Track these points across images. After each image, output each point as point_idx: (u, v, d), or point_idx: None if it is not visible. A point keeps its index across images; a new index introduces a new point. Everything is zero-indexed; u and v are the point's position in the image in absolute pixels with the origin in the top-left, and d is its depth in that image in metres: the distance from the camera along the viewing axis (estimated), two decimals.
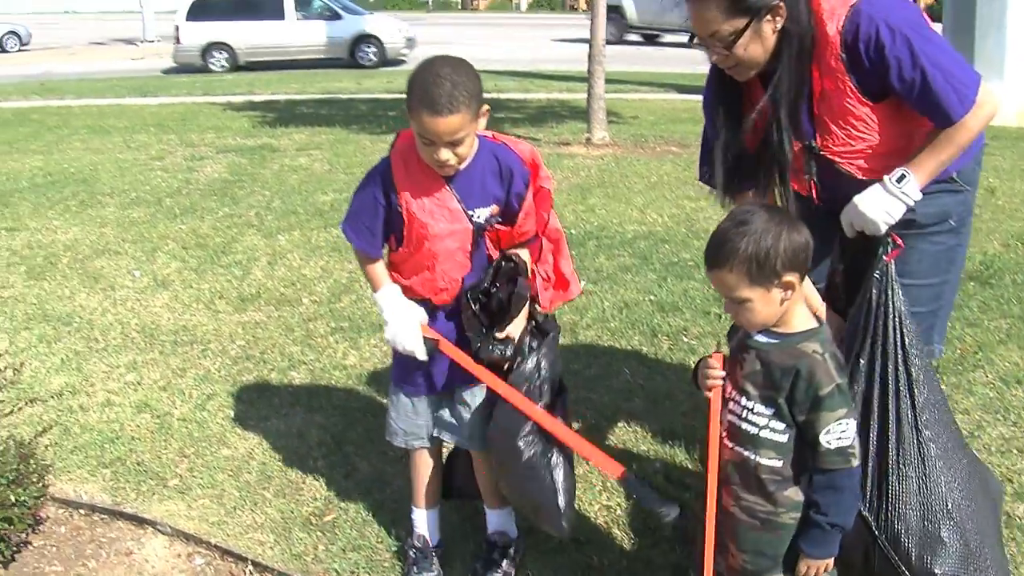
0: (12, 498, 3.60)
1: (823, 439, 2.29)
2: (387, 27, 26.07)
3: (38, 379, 4.93)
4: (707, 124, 3.10)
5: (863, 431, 2.52)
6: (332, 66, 24.93)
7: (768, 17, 2.62)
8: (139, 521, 3.88)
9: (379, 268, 3.08)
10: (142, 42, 35.37)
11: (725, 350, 2.55)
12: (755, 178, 2.95)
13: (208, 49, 24.81)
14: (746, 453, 2.40)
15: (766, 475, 2.38)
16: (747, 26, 2.62)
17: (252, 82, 20.52)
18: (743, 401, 2.41)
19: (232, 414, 4.52)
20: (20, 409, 4.59)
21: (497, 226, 3.04)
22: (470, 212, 2.95)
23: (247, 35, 24.91)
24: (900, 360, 2.56)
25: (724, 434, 2.46)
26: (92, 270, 6.52)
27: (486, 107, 2.83)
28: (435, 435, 3.27)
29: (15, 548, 3.72)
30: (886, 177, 2.64)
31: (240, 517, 3.74)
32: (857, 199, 2.67)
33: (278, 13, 25.10)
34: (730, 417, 2.45)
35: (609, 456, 2.87)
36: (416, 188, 2.93)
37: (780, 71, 2.70)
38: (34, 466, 3.80)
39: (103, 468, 4.17)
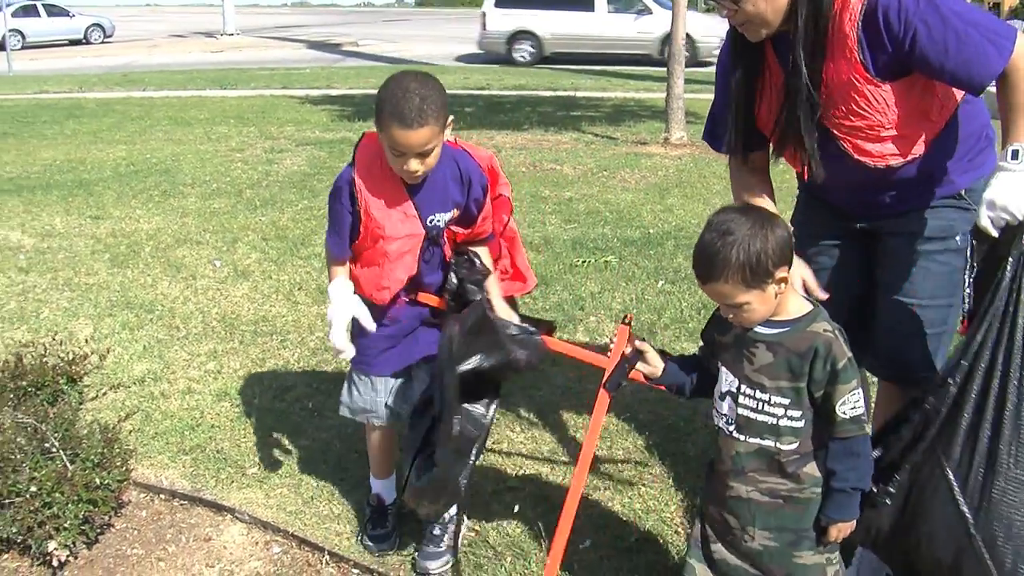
0: (97, 481, 3.66)
1: (839, 410, 2.39)
2: (700, 25, 22.73)
3: (121, 365, 5.00)
4: (719, 90, 3.06)
5: (974, 426, 2.45)
6: (639, 63, 23.87)
7: None
8: (218, 508, 3.92)
9: (340, 266, 3.23)
10: (221, 35, 35.91)
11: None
12: (765, 142, 2.96)
13: (514, 37, 24.47)
14: (765, 443, 2.49)
15: (786, 458, 2.48)
16: None
17: (330, 76, 20.69)
18: (757, 394, 2.48)
19: (310, 405, 4.54)
20: (104, 394, 4.67)
21: (455, 228, 3.23)
22: (429, 217, 3.14)
23: (554, 25, 24.32)
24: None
25: (732, 428, 2.53)
26: (174, 259, 6.60)
27: (451, 117, 2.99)
28: (394, 409, 3.43)
29: (99, 530, 3.78)
30: (1001, 162, 2.52)
31: (317, 507, 3.75)
32: (991, 194, 2.49)
33: (588, 4, 24.36)
34: (741, 411, 2.51)
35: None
36: (377, 190, 3.08)
37: (794, 32, 2.63)
38: (118, 450, 3.85)
39: (183, 455, 4.22)
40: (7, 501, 3.58)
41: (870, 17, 2.56)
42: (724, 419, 2.56)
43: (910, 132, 2.70)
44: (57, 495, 3.57)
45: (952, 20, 2.51)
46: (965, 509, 2.47)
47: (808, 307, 2.48)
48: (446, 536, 3.50)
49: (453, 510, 3.49)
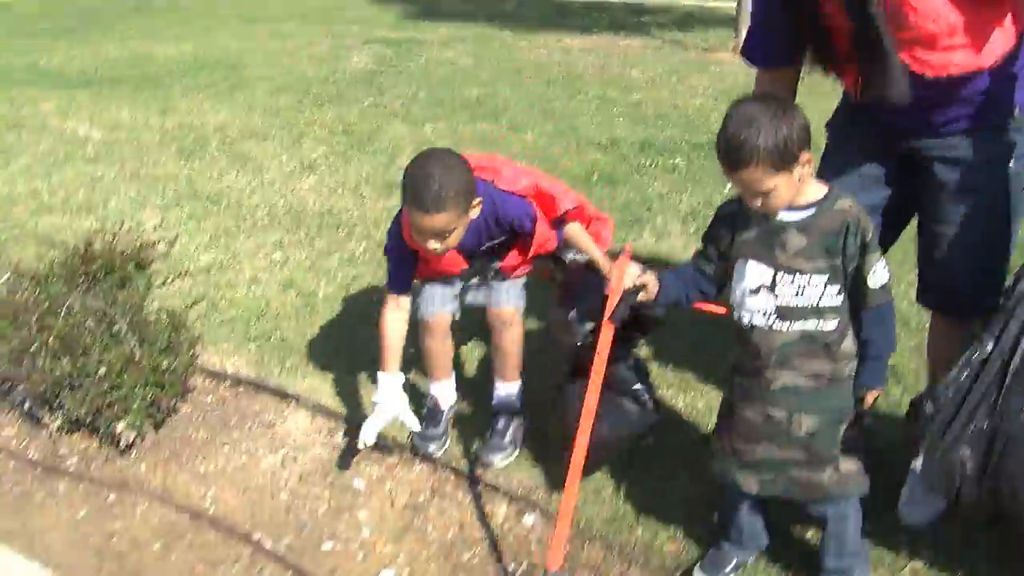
0: (164, 365, 3.68)
1: (870, 281, 2.46)
2: None
3: (188, 254, 5.01)
4: (757, 4, 2.98)
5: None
6: None
7: None
8: (282, 395, 3.93)
9: (396, 341, 3.32)
10: None
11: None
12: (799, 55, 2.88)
13: None
14: (807, 326, 2.52)
15: (829, 338, 2.52)
16: None
17: None
18: (796, 278, 2.50)
19: (375, 297, 4.51)
20: (171, 282, 4.68)
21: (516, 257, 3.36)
22: (473, 251, 3.27)
23: None
24: None
25: (773, 320, 2.54)
26: (241, 152, 6.58)
27: (477, 200, 3.03)
28: (462, 302, 3.51)
29: (165, 413, 3.81)
30: None
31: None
32: None
33: None
34: (781, 300, 2.52)
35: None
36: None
37: None
38: (185, 336, 3.87)
39: (249, 342, 4.23)
40: (77, 383, 3.61)
41: None
42: (762, 313, 2.56)
43: (978, 41, 2.52)
44: (125, 378, 3.59)
45: None
46: None
47: (825, 188, 2.52)
48: (510, 430, 3.50)
49: (518, 403, 3.51)
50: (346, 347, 4.14)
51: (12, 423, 3.96)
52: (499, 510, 3.34)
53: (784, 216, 2.49)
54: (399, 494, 3.46)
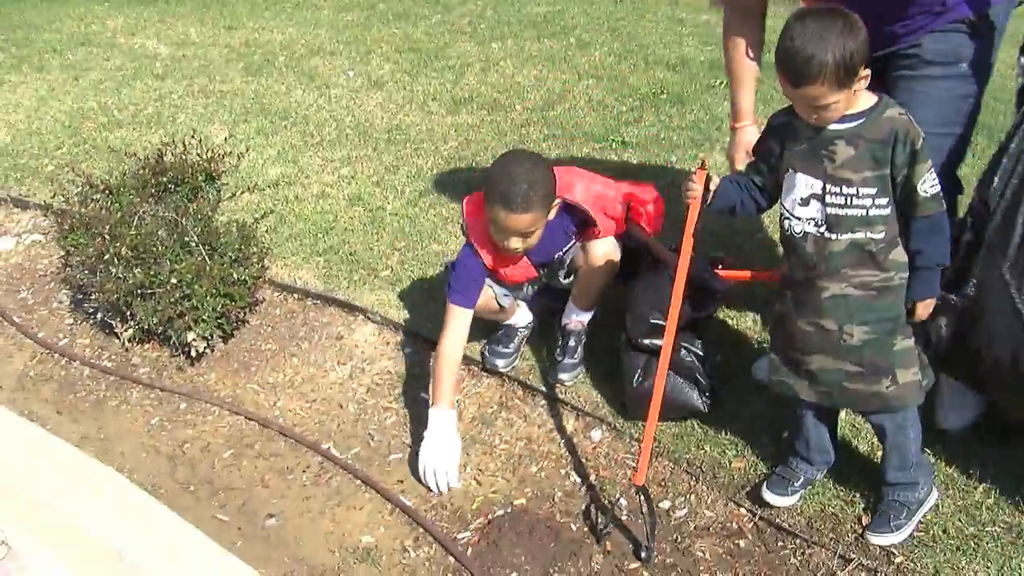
0: (234, 276, 3.70)
1: (921, 189, 2.43)
2: None
3: (256, 169, 5.01)
4: None
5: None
6: None
7: None
8: (350, 308, 3.94)
9: (449, 372, 3.20)
10: None
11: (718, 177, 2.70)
12: None
13: None
14: (856, 235, 2.50)
15: (877, 247, 2.51)
16: None
17: None
18: (844, 189, 2.48)
19: (443, 212, 4.49)
20: (240, 195, 4.70)
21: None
22: (546, 262, 3.40)
23: None
24: None
25: (824, 229, 2.53)
26: (307, 68, 6.55)
27: (557, 201, 3.15)
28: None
29: (234, 324, 3.85)
30: None
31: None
32: None
33: None
34: (831, 211, 2.51)
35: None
36: (496, 255, 3.28)
37: None
38: (254, 248, 3.90)
39: (316, 256, 4.23)
40: (149, 292, 3.66)
41: None
42: (812, 223, 2.55)
43: None
44: (196, 287, 3.63)
45: None
46: (1021, 307, 2.60)
47: (875, 98, 2.47)
48: (579, 351, 3.49)
49: (580, 326, 3.51)
50: (413, 261, 4.12)
51: (86, 332, 4.02)
52: (567, 425, 3.33)
53: (835, 126, 2.47)
54: (467, 407, 3.46)
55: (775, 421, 3.13)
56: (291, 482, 3.23)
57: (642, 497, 2.79)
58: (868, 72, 2.38)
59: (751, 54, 3.15)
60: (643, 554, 2.79)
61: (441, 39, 7.08)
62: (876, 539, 2.72)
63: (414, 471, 3.19)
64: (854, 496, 2.88)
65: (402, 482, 3.19)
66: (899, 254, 2.53)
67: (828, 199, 2.50)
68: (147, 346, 3.89)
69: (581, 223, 3.33)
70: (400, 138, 5.30)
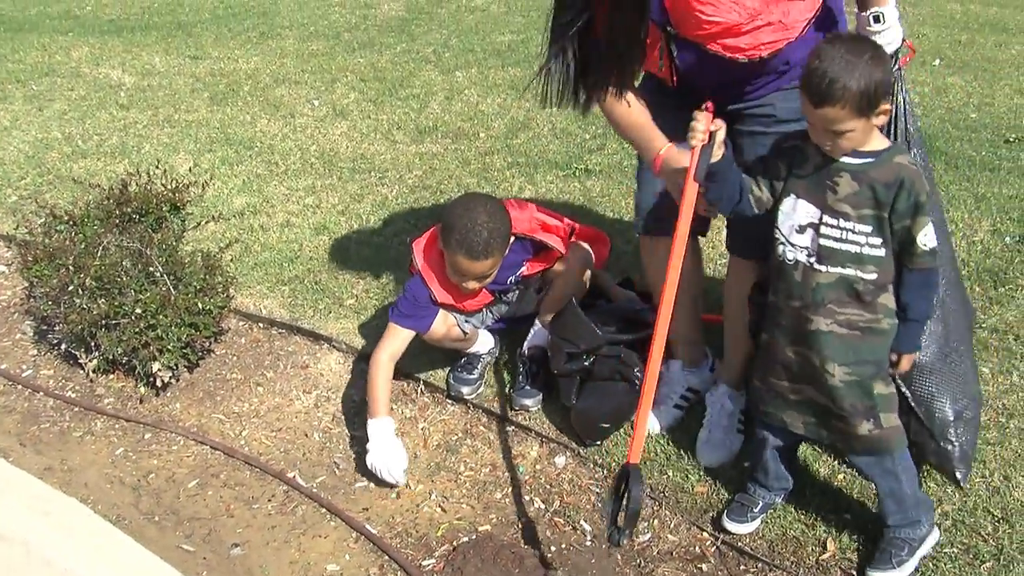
0: (199, 305, 3.71)
1: (920, 241, 2.46)
2: None
3: (221, 198, 5.02)
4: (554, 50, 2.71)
5: None
6: None
7: None
8: (315, 337, 3.96)
9: (384, 383, 3.31)
10: None
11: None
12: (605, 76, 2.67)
13: None
14: (846, 271, 2.52)
15: (866, 287, 2.52)
16: None
17: None
18: (841, 223, 2.50)
19: (408, 239, 4.50)
20: (205, 224, 4.70)
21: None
22: (501, 287, 3.46)
23: None
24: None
25: (814, 260, 2.55)
26: (273, 98, 6.56)
27: (512, 239, 3.26)
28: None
29: (200, 354, 3.85)
30: (867, 27, 2.61)
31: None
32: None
33: None
34: (824, 241, 2.53)
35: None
36: (448, 287, 3.35)
37: None
38: (219, 278, 3.90)
39: (282, 285, 4.25)
40: (113, 322, 3.66)
41: None
42: (804, 252, 2.57)
43: (783, 16, 2.57)
44: (161, 318, 3.63)
45: None
46: None
47: (887, 141, 2.52)
48: (541, 374, 3.52)
49: (541, 352, 3.55)
50: (378, 290, 4.15)
51: (50, 363, 4.02)
52: (531, 451, 3.36)
53: (845, 159, 2.49)
54: (432, 434, 3.49)
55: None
56: (256, 511, 3.24)
57: (630, 478, 2.57)
58: (889, 107, 2.44)
59: (639, 104, 2.88)
60: (616, 536, 2.60)
61: (406, 68, 7.12)
62: None
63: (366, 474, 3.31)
64: (815, 519, 2.93)
65: (367, 510, 3.21)
66: (888, 299, 2.55)
67: (823, 230, 2.53)
68: (112, 376, 3.89)
69: (532, 247, 3.41)
70: (365, 167, 5.33)
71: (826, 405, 2.63)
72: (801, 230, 2.57)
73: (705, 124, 2.54)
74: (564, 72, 2.53)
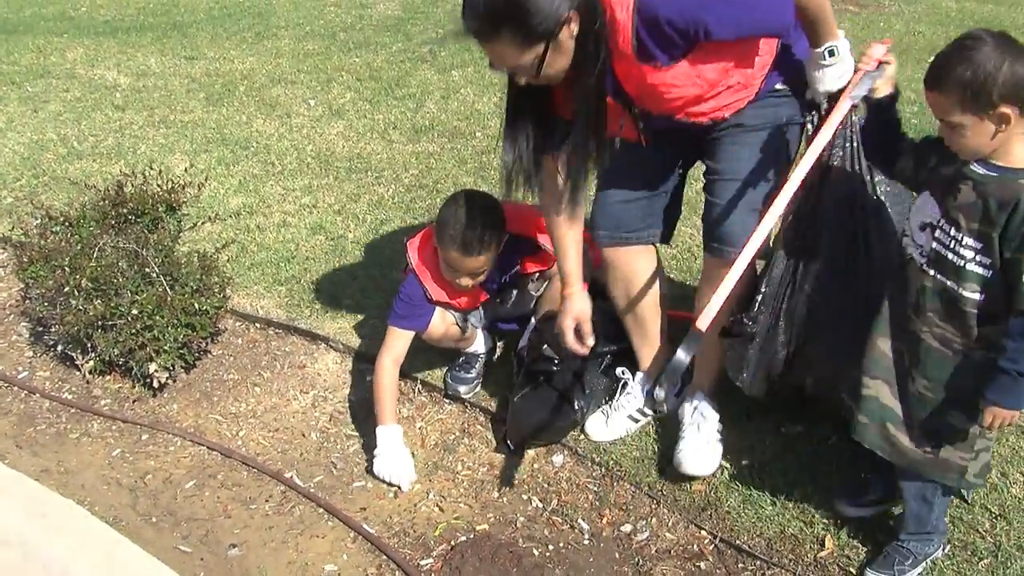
0: (195, 306, 3.70)
1: None
2: None
3: (217, 199, 5.01)
4: (508, 145, 2.93)
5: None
6: None
7: (564, 28, 2.42)
8: (312, 337, 3.95)
9: (391, 389, 3.33)
10: None
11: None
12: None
13: None
14: (948, 283, 2.38)
15: (968, 307, 2.36)
16: (546, 49, 2.44)
17: None
18: (952, 231, 2.36)
19: (405, 239, 4.49)
20: (201, 225, 4.70)
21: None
22: (494, 285, 3.49)
23: None
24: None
25: (924, 262, 2.44)
26: (268, 98, 6.56)
27: (505, 236, 3.26)
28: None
29: (196, 355, 3.85)
30: (820, 62, 2.65)
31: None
32: (816, 84, 2.71)
33: None
34: (935, 246, 2.41)
35: None
36: (444, 284, 3.36)
37: (582, 66, 2.53)
38: (216, 278, 3.90)
39: (279, 285, 4.24)
40: (110, 323, 3.65)
41: (652, 26, 2.48)
42: (920, 250, 2.46)
43: (741, 78, 2.68)
44: (157, 318, 3.62)
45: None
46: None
47: None
48: None
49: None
50: (375, 289, 4.14)
51: (46, 365, 4.01)
52: (529, 450, 3.35)
53: (974, 167, 2.32)
54: (429, 433, 3.49)
55: (734, 443, 3.17)
56: (254, 512, 3.23)
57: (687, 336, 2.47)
58: (1009, 112, 2.18)
59: (566, 219, 3.00)
60: (652, 396, 2.65)
61: (402, 67, 7.12)
62: None
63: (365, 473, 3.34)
64: (813, 517, 2.93)
65: (365, 510, 3.21)
66: (993, 333, 2.35)
67: (938, 233, 2.40)
68: (108, 378, 3.88)
69: (528, 246, 3.42)
70: (361, 167, 5.32)
71: (892, 409, 2.55)
72: (923, 227, 2.46)
73: (879, 53, 2.52)
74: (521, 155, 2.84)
